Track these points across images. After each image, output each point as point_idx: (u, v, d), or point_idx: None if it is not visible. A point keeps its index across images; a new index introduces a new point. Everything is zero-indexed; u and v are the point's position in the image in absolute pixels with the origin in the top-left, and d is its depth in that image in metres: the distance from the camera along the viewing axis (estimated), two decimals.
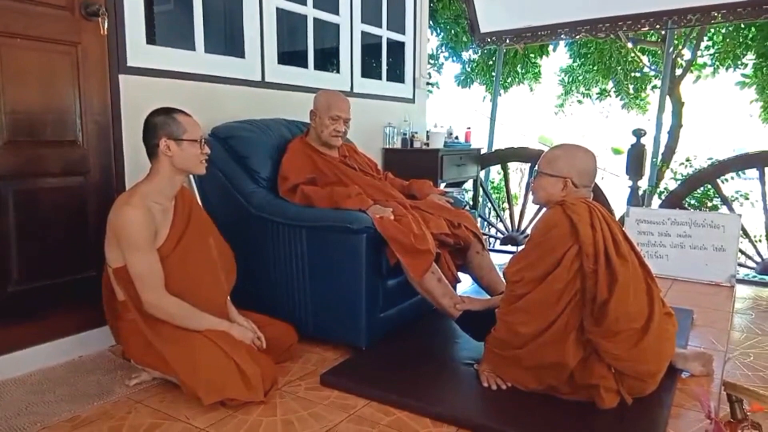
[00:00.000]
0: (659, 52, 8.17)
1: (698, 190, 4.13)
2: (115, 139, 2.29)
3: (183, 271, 1.90)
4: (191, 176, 2.43)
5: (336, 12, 3.44)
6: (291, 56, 3.22)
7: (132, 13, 2.30)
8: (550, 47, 9.10)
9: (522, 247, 2.05)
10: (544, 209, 1.96)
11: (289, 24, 3.22)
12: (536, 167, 1.99)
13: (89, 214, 2.21)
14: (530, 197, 3.95)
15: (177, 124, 1.88)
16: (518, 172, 7.99)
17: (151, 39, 2.43)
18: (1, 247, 1.98)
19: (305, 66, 3.27)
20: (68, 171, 2.15)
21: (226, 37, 3.00)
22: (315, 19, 3.29)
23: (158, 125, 1.86)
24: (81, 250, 2.19)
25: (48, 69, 2.07)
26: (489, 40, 4.92)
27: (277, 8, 3.02)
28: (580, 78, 9.75)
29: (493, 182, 7.85)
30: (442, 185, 3.71)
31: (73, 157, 2.17)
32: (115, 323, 1.98)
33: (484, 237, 2.73)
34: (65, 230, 2.16)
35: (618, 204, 4.16)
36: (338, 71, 3.53)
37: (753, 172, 3.77)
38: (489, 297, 2.42)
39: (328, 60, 3.57)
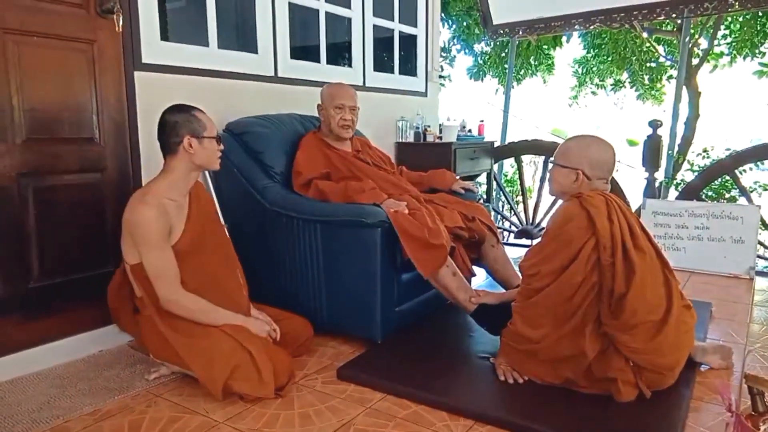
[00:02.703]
0: (675, 41, 8.05)
1: (716, 182, 4.07)
2: (131, 136, 2.30)
3: (201, 266, 1.92)
4: (206, 172, 2.45)
5: (348, 6, 3.43)
6: (303, 51, 3.22)
7: (146, 10, 2.32)
8: (564, 38, 9.00)
9: (537, 240, 2.03)
10: (560, 202, 1.95)
11: (301, 18, 3.22)
12: (552, 158, 1.97)
13: (107, 211, 2.24)
14: (546, 188, 3.93)
15: (198, 122, 1.90)
16: (532, 165, 7.93)
17: (165, 36, 2.44)
18: (21, 243, 2.02)
19: (318, 60, 3.27)
20: (86, 168, 2.18)
21: (239, 33, 3.01)
22: (327, 14, 3.28)
23: (180, 123, 1.88)
24: (99, 246, 2.22)
25: (64, 67, 2.09)
26: (502, 31, 4.88)
27: (290, 3, 3.02)
28: (594, 69, 9.64)
29: (506, 175, 7.80)
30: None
31: (91, 154, 2.19)
32: (133, 318, 2.00)
33: (499, 230, 2.72)
34: (84, 226, 2.18)
35: (634, 196, 4.11)
36: (350, 65, 3.53)
37: None
38: (504, 291, 2.41)
39: (340, 54, 3.57)
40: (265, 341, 1.91)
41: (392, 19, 3.81)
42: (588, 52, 9.57)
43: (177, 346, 1.80)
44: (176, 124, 1.88)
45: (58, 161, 2.10)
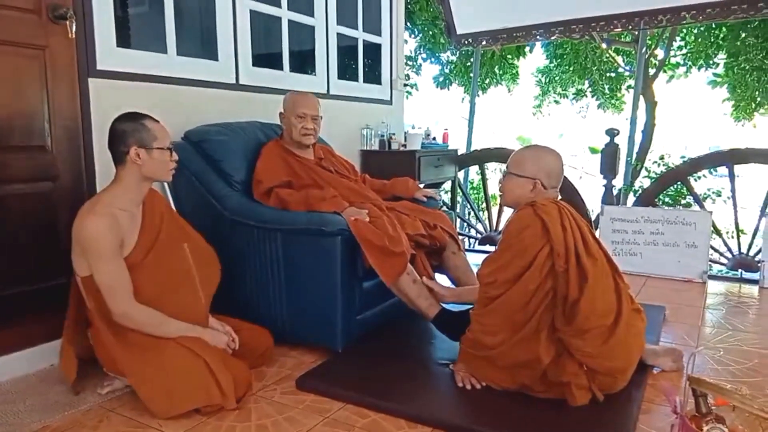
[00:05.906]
0: (633, 52, 8.30)
1: (672, 188, 4.20)
2: (85, 144, 2.25)
3: (157, 277, 1.87)
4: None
5: (311, 14, 3.43)
6: (266, 59, 3.21)
7: (101, 16, 2.28)
8: (527, 48, 9.20)
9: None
10: (514, 210, 1.98)
11: (263, 26, 3.20)
12: (504, 168, 2.00)
13: (59, 220, 2.17)
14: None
15: (147, 132, 1.84)
16: (497, 172, 8.05)
17: (121, 42, 2.39)
18: None
19: (281, 68, 3.26)
20: (36, 176, 2.12)
21: (200, 40, 2.97)
22: (290, 21, 3.28)
23: (128, 132, 1.82)
24: (51, 257, 2.15)
25: (15, 73, 2.03)
26: (465, 41, 4.95)
27: (251, 10, 3.01)
28: (557, 78, 9.88)
29: (472, 183, 7.90)
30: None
31: (42, 162, 2.13)
32: (83, 330, 1.95)
33: (463, 238, 2.76)
34: (34, 237, 2.12)
35: (595, 203, 4.21)
36: (314, 73, 3.53)
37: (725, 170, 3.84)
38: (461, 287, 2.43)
39: (304, 62, 3.56)
40: (222, 352, 1.88)
41: (356, 28, 3.83)
42: (551, 62, 9.80)
43: (127, 364, 1.76)
44: (124, 133, 1.82)
45: (7, 169, 2.03)
